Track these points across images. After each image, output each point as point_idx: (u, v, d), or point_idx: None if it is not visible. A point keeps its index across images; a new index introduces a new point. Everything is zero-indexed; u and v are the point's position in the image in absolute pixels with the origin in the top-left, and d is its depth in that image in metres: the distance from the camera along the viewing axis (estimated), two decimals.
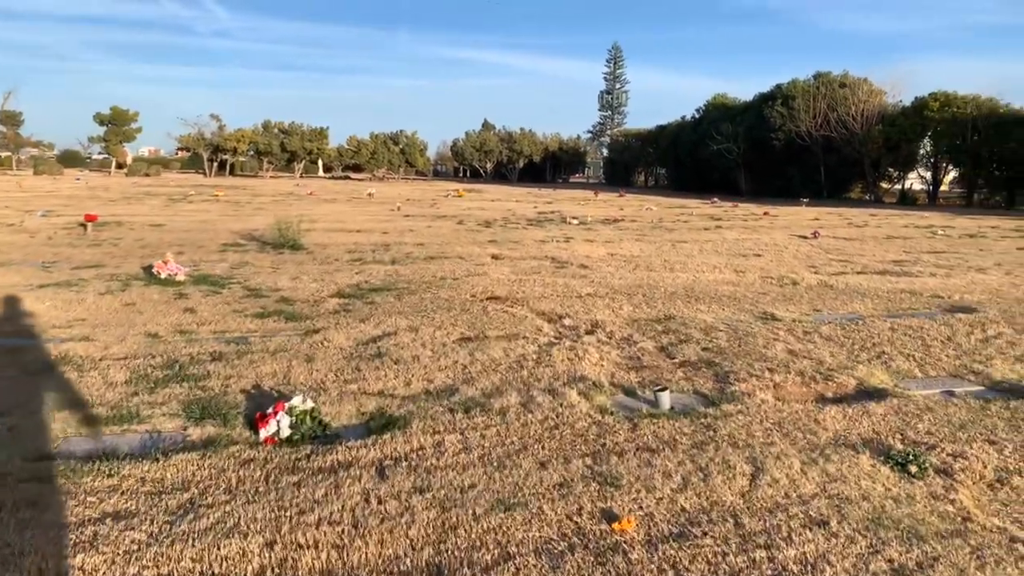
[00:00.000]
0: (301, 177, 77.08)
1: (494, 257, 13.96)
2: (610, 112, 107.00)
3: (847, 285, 11.03)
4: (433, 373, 5.94)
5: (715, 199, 40.30)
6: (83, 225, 17.19)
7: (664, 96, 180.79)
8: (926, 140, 43.11)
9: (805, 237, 18.94)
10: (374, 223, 21.20)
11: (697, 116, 60.96)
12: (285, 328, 7.61)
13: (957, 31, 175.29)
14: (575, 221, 23.03)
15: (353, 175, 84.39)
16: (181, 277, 10.49)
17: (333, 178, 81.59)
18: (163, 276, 10.44)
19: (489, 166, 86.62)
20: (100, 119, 71.83)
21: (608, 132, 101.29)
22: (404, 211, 26.66)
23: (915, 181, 46.71)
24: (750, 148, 49.08)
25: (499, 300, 9.27)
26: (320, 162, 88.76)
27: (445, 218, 23.76)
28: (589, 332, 7.51)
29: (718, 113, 55.77)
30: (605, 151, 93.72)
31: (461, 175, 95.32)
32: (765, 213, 28.89)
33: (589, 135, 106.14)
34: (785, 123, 46.10)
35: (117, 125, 71.71)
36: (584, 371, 6.02)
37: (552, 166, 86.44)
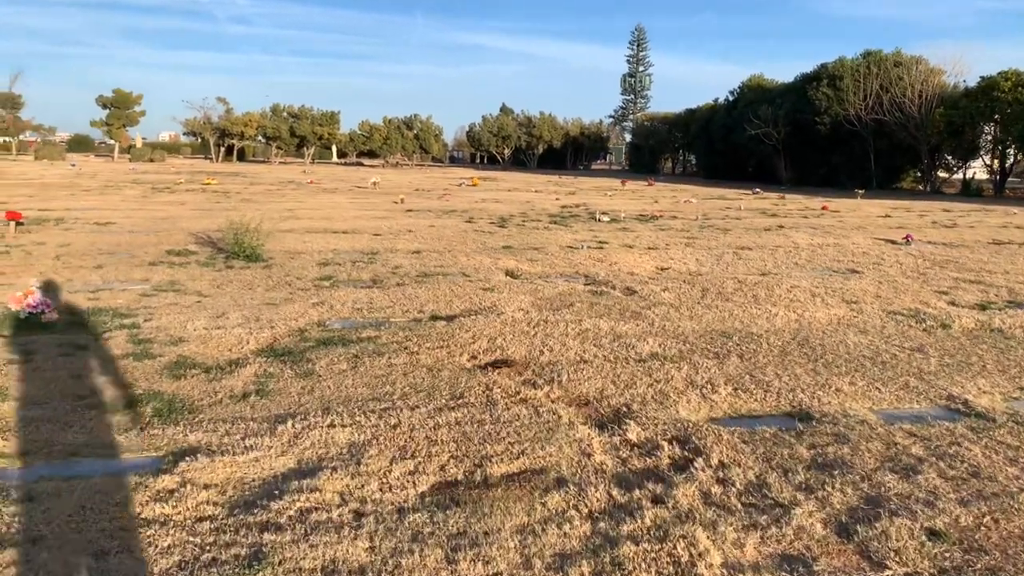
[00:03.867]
0: (312, 163, 73.81)
1: (509, 274, 10.52)
2: (633, 96, 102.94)
3: None
4: None
5: (757, 189, 36.46)
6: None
7: (683, 84, 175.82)
8: (992, 125, 38.67)
9: (895, 242, 15.29)
10: (368, 220, 17.79)
11: (731, 99, 56.65)
12: (128, 447, 4.23)
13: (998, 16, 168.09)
14: (606, 218, 19.49)
15: (366, 161, 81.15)
16: (51, 316, 7.16)
17: (345, 164, 78.47)
18: (23, 315, 7.11)
19: (507, 152, 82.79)
20: (103, 102, 68.81)
21: (631, 117, 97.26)
22: (407, 204, 23.19)
23: (978, 170, 42.31)
24: (791, 133, 44.96)
25: (513, 368, 5.83)
26: (334, 148, 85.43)
27: (453, 213, 20.28)
28: (680, 465, 4.05)
29: (754, 95, 51.51)
30: (628, 136, 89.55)
31: (478, 161, 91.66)
32: (824, 208, 25.08)
33: (611, 120, 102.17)
34: (831, 105, 41.91)
35: (120, 108, 68.68)
36: None
37: (573, 152, 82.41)
